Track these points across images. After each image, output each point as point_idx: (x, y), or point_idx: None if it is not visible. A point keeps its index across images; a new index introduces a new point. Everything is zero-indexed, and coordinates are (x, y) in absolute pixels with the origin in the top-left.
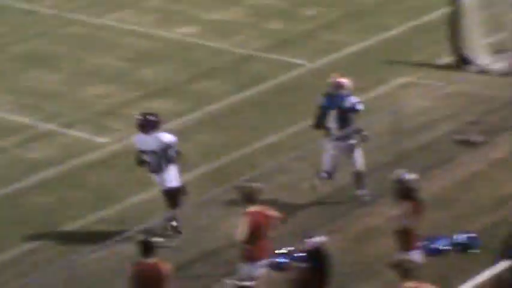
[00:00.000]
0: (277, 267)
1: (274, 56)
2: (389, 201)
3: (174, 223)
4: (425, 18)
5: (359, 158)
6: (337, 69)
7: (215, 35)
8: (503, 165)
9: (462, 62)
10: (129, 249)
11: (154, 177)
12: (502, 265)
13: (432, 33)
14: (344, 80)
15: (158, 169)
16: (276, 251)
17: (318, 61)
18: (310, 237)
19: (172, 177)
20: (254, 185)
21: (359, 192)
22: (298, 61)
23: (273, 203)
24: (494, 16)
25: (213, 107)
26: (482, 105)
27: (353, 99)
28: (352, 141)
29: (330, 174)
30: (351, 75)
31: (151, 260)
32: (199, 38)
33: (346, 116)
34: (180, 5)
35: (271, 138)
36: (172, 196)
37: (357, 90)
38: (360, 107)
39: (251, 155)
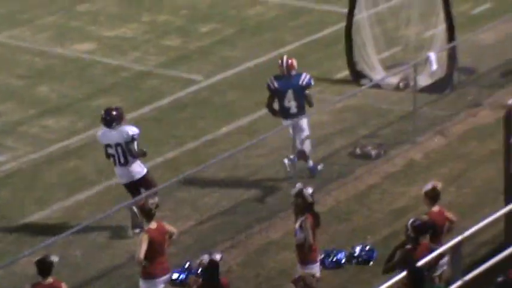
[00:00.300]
0: (177, 282)
1: (171, 72)
2: (289, 215)
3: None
4: (320, 34)
5: (303, 139)
6: (234, 84)
7: (112, 52)
8: (398, 178)
9: (357, 76)
10: (26, 269)
11: (119, 170)
12: (399, 277)
13: (328, 48)
14: (294, 61)
15: (124, 161)
16: (176, 267)
17: (215, 77)
18: (208, 253)
19: (138, 168)
20: (151, 201)
21: (308, 164)
22: (195, 77)
23: (174, 218)
24: (387, 32)
25: None
26: (377, 119)
27: (305, 76)
28: (306, 118)
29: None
30: (248, 91)
31: (48, 281)
32: (96, 54)
33: (301, 93)
34: (76, 22)
35: (170, 154)
36: (139, 186)
37: (256, 105)
38: (313, 81)
39: (150, 171)
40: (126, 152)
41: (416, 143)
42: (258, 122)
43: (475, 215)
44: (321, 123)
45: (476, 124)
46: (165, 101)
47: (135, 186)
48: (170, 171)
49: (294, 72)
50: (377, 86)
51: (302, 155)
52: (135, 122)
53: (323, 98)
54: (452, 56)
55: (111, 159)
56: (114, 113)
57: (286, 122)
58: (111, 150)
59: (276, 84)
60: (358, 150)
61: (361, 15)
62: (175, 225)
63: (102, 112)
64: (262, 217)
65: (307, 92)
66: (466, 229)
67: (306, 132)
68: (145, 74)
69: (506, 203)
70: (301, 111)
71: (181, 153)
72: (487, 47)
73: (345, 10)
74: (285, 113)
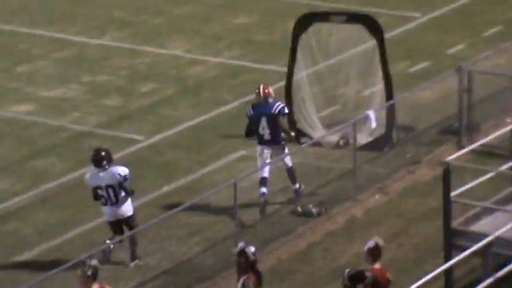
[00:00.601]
0: None
1: (111, 133)
2: (232, 274)
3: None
4: None
5: (288, 156)
6: (175, 144)
7: (52, 112)
8: (339, 236)
9: (297, 134)
10: None
11: (109, 209)
12: None
13: None
14: (270, 89)
15: (115, 201)
16: None
17: (155, 136)
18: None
19: (129, 206)
20: (95, 263)
21: (294, 186)
22: (136, 137)
23: (116, 279)
24: (326, 90)
25: (51, 185)
26: (318, 177)
27: (279, 105)
28: (283, 143)
29: (266, 179)
30: (188, 150)
31: None
32: (36, 115)
33: (276, 121)
34: (15, 83)
35: None
36: (129, 224)
37: (196, 165)
38: (287, 110)
39: (90, 232)
40: (117, 192)
41: (357, 201)
42: (199, 181)
43: (415, 272)
44: None
45: (416, 181)
46: None
47: (120, 224)
48: (110, 231)
49: (270, 100)
50: (317, 144)
51: (290, 174)
52: (76, 182)
53: None
54: (390, 114)
55: (102, 200)
56: (103, 153)
57: (261, 147)
58: (101, 192)
59: (251, 112)
60: (299, 209)
61: (301, 74)
62: (117, 285)
63: (92, 153)
64: (205, 277)
65: (282, 120)
66: (407, 286)
67: (285, 155)
68: (86, 134)
69: (446, 260)
70: (275, 139)
71: None
72: (425, 105)
73: (284, 69)
74: (260, 139)
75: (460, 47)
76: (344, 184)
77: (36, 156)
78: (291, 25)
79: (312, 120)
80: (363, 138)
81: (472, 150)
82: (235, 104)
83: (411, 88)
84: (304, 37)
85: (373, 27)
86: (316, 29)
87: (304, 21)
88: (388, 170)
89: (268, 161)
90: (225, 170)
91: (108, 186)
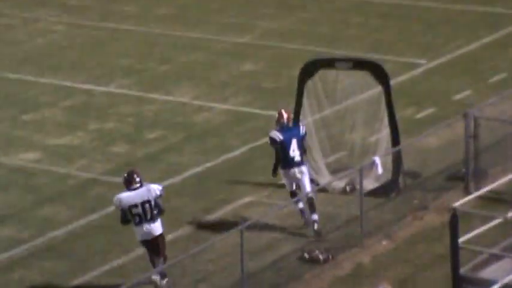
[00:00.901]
0: None
1: (118, 180)
2: None
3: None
4: (267, 140)
5: (308, 183)
6: (180, 191)
7: (59, 160)
8: (346, 282)
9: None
10: None
11: (145, 227)
12: None
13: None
14: (290, 112)
15: (151, 217)
16: None
17: (163, 183)
18: None
19: (160, 224)
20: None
21: (313, 216)
22: None
23: None
24: (332, 136)
25: (57, 233)
26: (325, 222)
27: (303, 127)
28: (306, 165)
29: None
30: (194, 197)
31: None
32: (42, 163)
33: (303, 142)
34: (22, 131)
35: (117, 261)
36: (161, 242)
37: (202, 211)
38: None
39: (98, 279)
40: (153, 209)
41: (364, 247)
42: (205, 228)
43: None
44: (268, 227)
45: (423, 227)
46: (112, 209)
47: (156, 242)
48: (117, 278)
49: (291, 124)
50: (324, 190)
51: (311, 204)
52: (82, 230)
53: (270, 202)
54: (397, 160)
55: (136, 219)
56: (136, 173)
57: (292, 171)
58: (136, 210)
59: (281, 137)
60: (306, 255)
61: (307, 120)
62: None
63: (125, 175)
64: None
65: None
66: None
67: (308, 175)
68: (92, 181)
69: None
70: (303, 159)
71: (128, 260)
72: (432, 151)
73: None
74: (290, 162)
75: (466, 93)
76: (351, 230)
77: (43, 203)
78: (297, 72)
79: (318, 166)
80: (369, 184)
81: (479, 196)
82: (242, 150)
83: (417, 134)
84: (310, 83)
85: (379, 73)
86: (322, 75)
87: (310, 68)
88: (395, 216)
89: (297, 177)
90: (231, 216)
91: (145, 202)
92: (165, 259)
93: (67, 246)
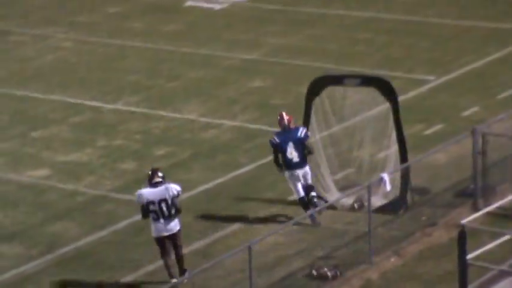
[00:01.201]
0: None
1: (126, 197)
2: None
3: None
4: None
5: (310, 178)
6: (189, 207)
7: (67, 177)
8: None
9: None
10: None
11: (162, 224)
12: None
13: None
14: (291, 116)
15: (168, 215)
16: None
17: None
18: None
19: (177, 222)
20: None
21: (312, 193)
22: None
23: None
24: (340, 153)
25: (66, 249)
26: (333, 239)
27: (302, 129)
28: (308, 167)
29: (304, 198)
30: (202, 214)
31: None
32: (51, 180)
33: (302, 144)
34: (31, 148)
35: (127, 278)
36: (176, 239)
37: (210, 228)
38: (309, 133)
39: None
40: (170, 207)
41: (372, 264)
42: (213, 245)
43: None
44: (276, 244)
45: (431, 244)
46: (121, 225)
47: (173, 238)
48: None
49: (292, 126)
50: (332, 206)
51: (310, 187)
52: (91, 246)
53: (279, 219)
54: (405, 177)
55: (152, 215)
56: (159, 172)
57: (291, 172)
58: (153, 207)
59: (277, 140)
60: (314, 272)
61: (315, 137)
62: None
63: (149, 172)
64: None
65: (305, 143)
66: None
67: (310, 174)
68: (101, 198)
69: None
70: (303, 161)
71: (138, 276)
72: (440, 167)
73: None
74: (289, 164)
75: (474, 109)
76: (359, 247)
77: (52, 220)
78: (304, 88)
79: (327, 183)
80: (377, 201)
81: (488, 213)
82: (250, 167)
83: (426, 150)
84: (318, 100)
85: (387, 90)
86: (330, 92)
87: (318, 85)
88: (403, 233)
89: (301, 179)
90: (239, 233)
91: (161, 201)
92: (182, 259)
93: (76, 263)
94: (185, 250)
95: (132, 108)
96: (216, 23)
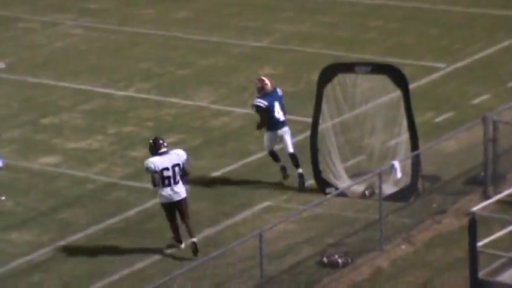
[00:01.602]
0: None
1: (137, 184)
2: None
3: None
4: None
5: (290, 141)
6: (200, 195)
7: (78, 164)
8: (365, 287)
9: (323, 185)
10: None
11: (173, 188)
12: None
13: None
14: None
15: (178, 180)
16: None
17: None
18: None
19: (185, 187)
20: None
21: (298, 170)
22: None
23: None
24: (351, 141)
25: (77, 236)
26: (344, 227)
27: (278, 89)
28: (287, 127)
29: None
30: (213, 201)
31: None
32: (62, 167)
33: (282, 104)
34: (41, 135)
35: (138, 265)
36: (183, 204)
37: (221, 215)
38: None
39: (116, 284)
40: (181, 171)
41: (383, 251)
42: (224, 232)
43: None
44: (287, 232)
45: (442, 231)
46: (131, 212)
47: (180, 205)
48: (137, 282)
49: (270, 87)
50: (343, 194)
51: (294, 159)
52: (102, 234)
53: (289, 207)
54: (416, 164)
55: (165, 181)
56: (162, 140)
57: (280, 132)
58: (167, 173)
59: (266, 103)
60: (325, 259)
61: (326, 124)
62: None
63: (152, 142)
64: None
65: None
66: None
67: (290, 134)
68: (112, 185)
69: None
70: (285, 118)
71: (148, 263)
72: (450, 155)
73: (309, 119)
74: (276, 124)
75: (484, 97)
76: (370, 234)
77: (63, 207)
78: (315, 76)
79: (337, 171)
80: (388, 189)
81: (498, 200)
82: (261, 154)
83: (436, 138)
84: (329, 88)
85: (398, 77)
86: (341, 79)
87: (329, 72)
88: (414, 220)
89: (286, 136)
90: (250, 221)
91: (175, 166)
92: (190, 223)
93: (87, 250)
94: (196, 237)
95: (143, 95)
96: (226, 11)
